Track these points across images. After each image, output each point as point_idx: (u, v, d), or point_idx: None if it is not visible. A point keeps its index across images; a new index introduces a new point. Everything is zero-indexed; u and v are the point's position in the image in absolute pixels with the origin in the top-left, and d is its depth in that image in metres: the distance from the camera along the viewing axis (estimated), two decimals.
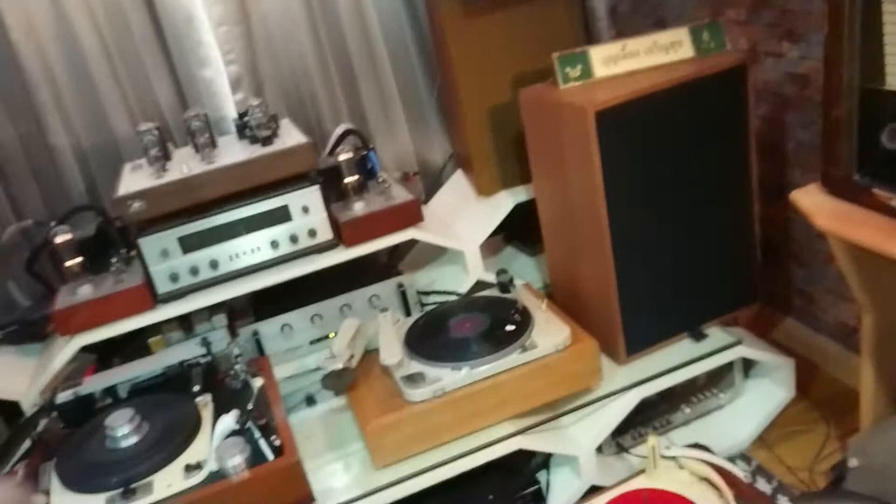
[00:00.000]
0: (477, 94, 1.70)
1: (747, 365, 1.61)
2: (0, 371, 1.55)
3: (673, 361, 1.49)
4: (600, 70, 1.43)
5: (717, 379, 1.59)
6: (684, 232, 1.45)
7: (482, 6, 1.63)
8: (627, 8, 2.01)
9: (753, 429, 1.56)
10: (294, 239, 1.60)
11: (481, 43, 1.66)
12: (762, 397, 1.59)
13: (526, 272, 1.87)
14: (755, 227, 1.51)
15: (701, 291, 1.51)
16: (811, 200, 1.15)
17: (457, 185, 1.98)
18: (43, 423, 1.45)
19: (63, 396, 1.45)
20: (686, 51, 1.43)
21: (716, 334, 1.54)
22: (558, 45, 1.61)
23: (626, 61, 1.43)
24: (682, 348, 1.52)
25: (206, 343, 1.54)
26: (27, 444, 1.40)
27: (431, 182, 2.10)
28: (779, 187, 1.65)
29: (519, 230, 2.00)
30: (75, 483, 1.25)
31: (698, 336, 1.53)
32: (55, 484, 1.27)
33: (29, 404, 1.50)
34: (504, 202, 1.78)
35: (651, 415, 1.57)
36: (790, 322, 1.79)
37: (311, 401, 1.62)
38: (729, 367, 1.58)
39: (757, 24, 1.59)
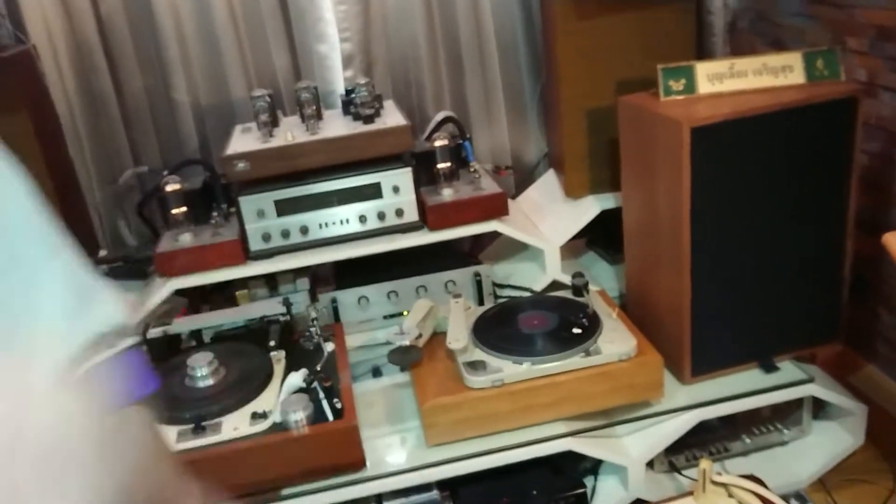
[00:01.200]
0: (578, 96, 1.71)
1: (817, 404, 1.56)
2: None
3: (738, 389, 1.47)
4: (704, 86, 1.42)
5: (784, 414, 1.55)
6: (768, 258, 1.42)
7: (594, 8, 1.64)
8: (746, 25, 1.96)
9: (814, 470, 1.52)
10: (381, 216, 1.66)
11: (589, 45, 1.67)
12: (829, 440, 1.55)
13: (604, 279, 1.87)
14: (845, 264, 1.46)
15: (777, 321, 1.48)
16: None
17: (547, 184, 1.99)
18: None
19: (154, 332, 1.57)
20: (797, 76, 1.40)
21: (788, 368, 1.51)
22: (667, 55, 1.60)
23: (732, 80, 1.41)
24: (751, 377, 1.50)
25: (287, 303, 1.62)
26: None
27: (523, 178, 2.13)
28: (878, 227, 1.59)
29: (602, 236, 2.00)
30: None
31: (769, 367, 1.50)
32: None
33: None
34: (591, 206, 1.79)
35: (709, 439, 1.55)
36: (871, 369, 1.72)
37: (377, 372, 1.69)
38: (798, 403, 1.54)
39: (878, 56, 1.53)
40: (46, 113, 1.66)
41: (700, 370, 1.48)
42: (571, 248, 2.04)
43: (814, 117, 1.34)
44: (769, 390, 1.46)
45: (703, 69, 1.41)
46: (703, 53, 2.05)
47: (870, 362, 1.73)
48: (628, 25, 1.67)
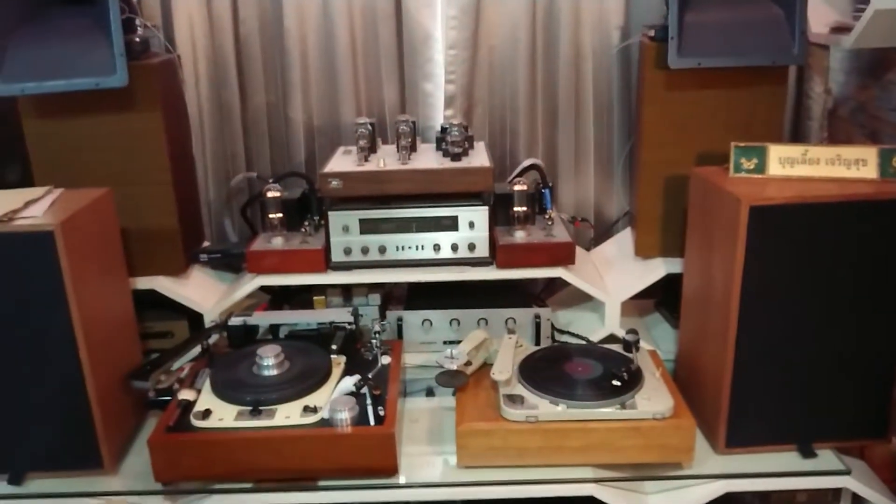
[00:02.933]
0: (658, 161, 1.77)
1: (858, 500, 1.54)
2: (197, 287, 1.88)
3: (771, 467, 1.47)
4: (775, 168, 1.46)
5: None
6: (816, 345, 1.44)
7: (686, 82, 1.70)
8: (847, 114, 1.97)
9: None
10: (454, 247, 1.78)
11: (676, 115, 1.74)
12: None
13: (663, 341, 1.91)
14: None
15: (821, 409, 1.48)
16: None
17: (622, 241, 2.05)
18: (214, 337, 1.75)
19: (235, 321, 1.74)
20: (869, 171, 1.42)
21: (827, 456, 1.50)
22: (753, 135, 1.65)
23: (803, 166, 1.45)
24: (787, 459, 1.50)
25: (355, 313, 1.76)
26: (198, 349, 1.70)
27: (602, 233, 2.20)
28: None
29: (671, 300, 2.03)
30: (220, 390, 1.51)
31: (807, 452, 1.50)
32: (206, 386, 1.54)
33: (209, 319, 1.81)
34: (658, 267, 1.84)
35: None
36: None
37: (430, 393, 1.79)
38: (837, 495, 1.52)
39: None
40: (179, 114, 1.88)
41: (735, 442, 1.50)
42: (639, 308, 2.10)
43: (880, 213, 1.36)
44: (803, 475, 1.46)
45: (775, 152, 1.46)
46: (800, 136, 2.08)
47: None
48: (717, 101, 1.72)
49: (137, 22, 1.76)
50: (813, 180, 1.43)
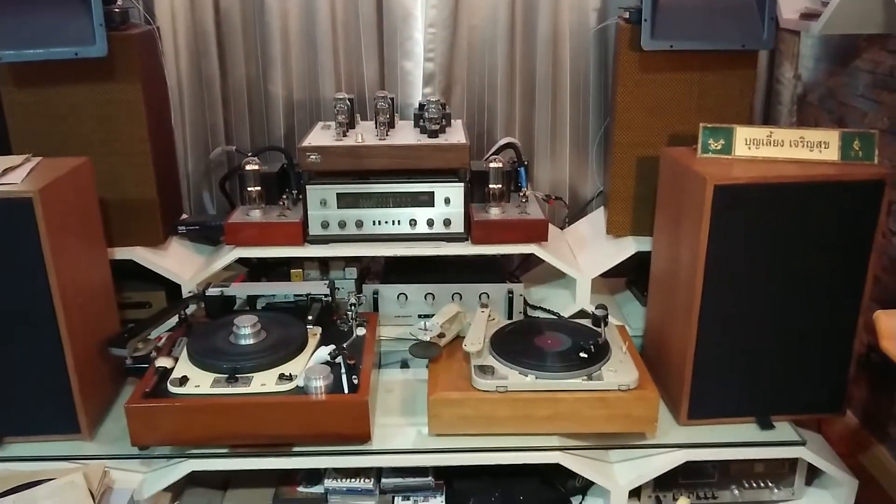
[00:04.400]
0: (631, 142, 1.81)
1: (813, 472, 1.60)
2: (175, 258, 1.90)
3: (730, 438, 1.53)
4: (741, 149, 1.50)
5: (778, 474, 1.60)
6: (777, 321, 1.49)
7: (659, 64, 1.74)
8: (815, 100, 2.02)
9: None
10: (430, 223, 1.81)
11: (649, 97, 1.77)
12: None
13: (632, 317, 1.96)
14: (854, 340, 1.51)
15: (780, 383, 1.54)
16: (892, 323, 1.18)
17: (595, 220, 2.10)
18: (192, 308, 1.78)
19: (212, 291, 1.76)
20: (831, 153, 1.47)
21: (784, 428, 1.56)
22: (722, 117, 1.70)
23: (768, 148, 1.49)
24: (746, 430, 1.56)
25: (332, 286, 1.79)
26: (175, 319, 1.72)
27: (576, 212, 2.24)
28: None
29: (642, 278, 2.08)
30: (198, 359, 1.54)
31: (765, 424, 1.56)
32: (183, 355, 1.57)
33: (187, 290, 1.83)
34: (628, 246, 1.89)
35: (700, 484, 1.61)
36: (881, 450, 1.74)
37: (404, 365, 1.83)
38: (793, 466, 1.59)
39: None
40: (158, 86, 1.89)
41: (697, 414, 1.56)
42: (611, 286, 2.15)
43: (840, 194, 1.41)
44: (760, 445, 1.52)
45: (742, 133, 1.50)
46: (771, 121, 2.13)
47: (882, 443, 1.76)
48: (689, 84, 1.76)
49: None
50: (777, 161, 1.48)
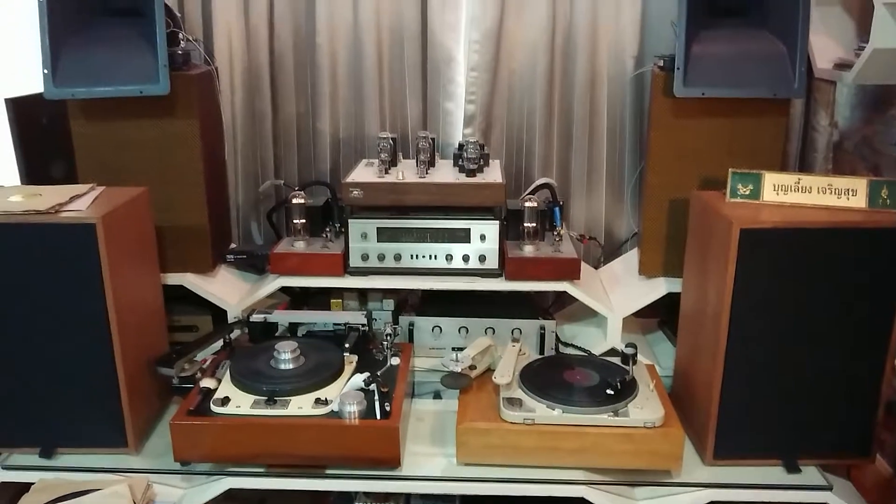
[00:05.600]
0: (664, 185, 1.86)
1: None
2: (222, 285, 2.00)
3: (755, 479, 1.54)
4: (769, 194, 1.54)
5: None
6: (804, 364, 1.51)
7: (692, 110, 1.79)
8: (851, 147, 2.04)
9: None
10: (466, 258, 1.87)
11: (682, 141, 1.82)
12: None
13: (663, 357, 1.98)
14: (882, 386, 1.52)
15: (807, 426, 1.55)
16: None
17: (628, 260, 2.13)
18: (236, 332, 1.86)
19: (256, 317, 1.85)
20: (858, 200, 1.50)
21: (811, 472, 1.57)
22: (754, 162, 1.73)
23: (796, 194, 1.53)
24: (772, 472, 1.57)
25: (369, 316, 1.86)
26: (220, 342, 1.81)
27: (611, 252, 2.28)
28: None
29: (674, 319, 2.10)
30: (240, 380, 1.62)
31: (791, 467, 1.56)
32: (226, 376, 1.65)
33: (232, 315, 1.92)
34: (660, 286, 1.92)
35: None
36: None
37: (437, 395, 1.89)
38: None
39: None
40: (214, 122, 2.01)
41: (723, 453, 1.57)
42: (643, 325, 2.18)
43: (867, 241, 1.43)
44: (785, 488, 1.53)
45: (770, 179, 1.54)
46: (806, 167, 2.16)
47: None
48: (722, 129, 1.80)
49: (180, 35, 1.89)
50: (805, 207, 1.51)
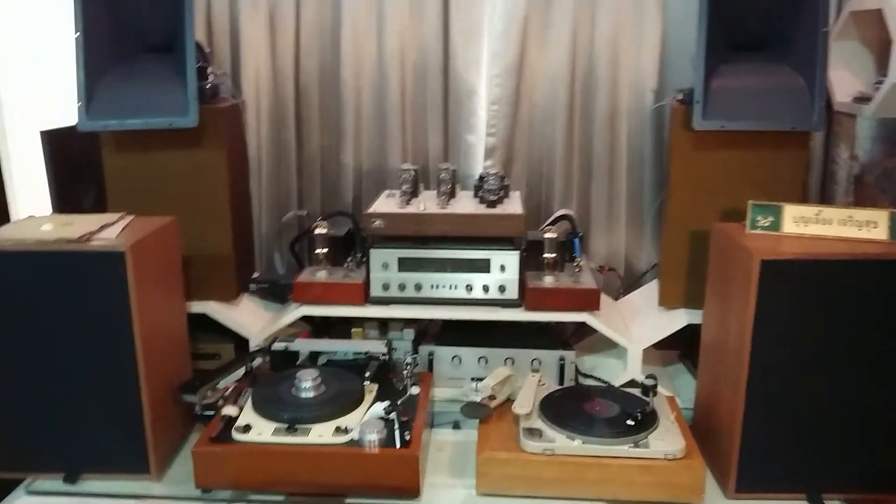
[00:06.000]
0: (684, 216, 1.87)
1: None
2: (245, 313, 2.03)
3: None
4: (789, 226, 1.55)
5: None
6: (827, 396, 1.50)
7: (711, 143, 1.81)
8: (872, 180, 2.04)
9: None
10: (486, 288, 1.89)
11: (702, 174, 1.84)
12: None
13: (684, 390, 1.97)
14: None
15: (831, 459, 1.53)
16: None
17: (648, 292, 2.14)
18: (258, 361, 1.88)
19: (278, 346, 1.87)
20: (880, 232, 1.49)
21: None
22: (774, 195, 1.73)
23: (816, 225, 1.53)
24: None
25: (390, 346, 1.87)
26: (242, 370, 1.83)
27: (631, 284, 2.28)
28: None
29: (694, 351, 2.09)
30: (260, 408, 1.63)
31: (816, 501, 1.54)
32: (248, 404, 1.67)
33: (254, 343, 1.95)
34: (680, 318, 1.92)
35: None
36: None
37: (456, 426, 1.88)
38: None
39: None
40: (240, 154, 2.06)
41: (745, 487, 1.55)
42: (664, 358, 2.17)
43: (888, 272, 1.43)
44: None
45: (790, 211, 1.55)
46: (826, 199, 2.16)
47: None
48: (741, 162, 1.82)
49: (209, 70, 1.94)
50: (825, 239, 1.51)
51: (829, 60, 1.72)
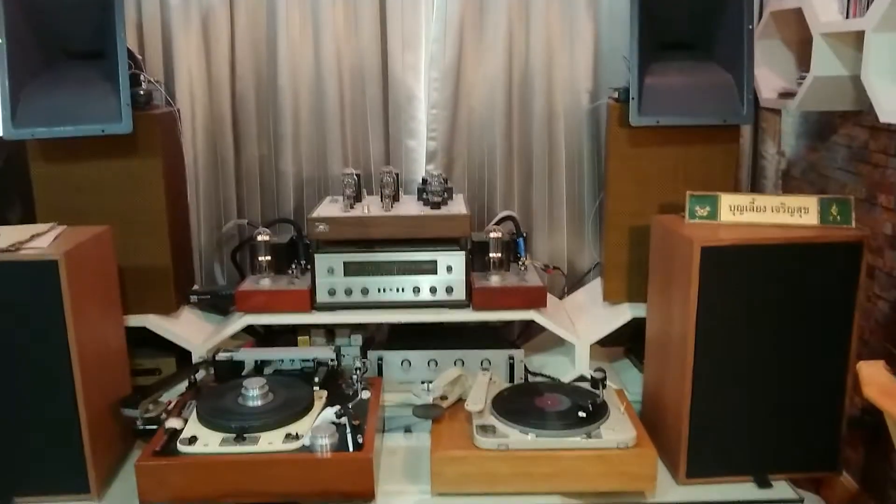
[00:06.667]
0: (624, 212, 1.91)
1: None
2: (186, 326, 1.96)
3: (728, 496, 1.56)
4: (726, 215, 1.60)
5: None
6: (769, 379, 1.54)
7: (647, 139, 1.85)
8: (798, 173, 2.13)
9: None
10: (433, 290, 1.88)
11: (639, 169, 1.88)
12: None
13: (630, 384, 2.00)
14: (844, 398, 1.56)
15: (775, 441, 1.57)
16: (872, 371, 1.23)
17: (592, 290, 2.17)
18: (201, 373, 1.83)
19: (222, 356, 1.82)
20: (811, 218, 1.56)
21: (782, 487, 1.59)
22: (708, 187, 1.79)
23: (751, 213, 1.59)
24: (744, 489, 1.58)
25: (338, 352, 1.85)
26: (185, 383, 1.77)
27: (574, 284, 2.31)
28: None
29: (639, 347, 2.13)
30: (207, 419, 1.58)
31: (763, 482, 1.58)
32: (193, 416, 1.61)
33: (197, 356, 1.89)
34: (624, 312, 1.95)
35: None
36: None
37: (408, 430, 1.87)
38: None
39: None
40: (176, 163, 2.01)
41: (695, 473, 1.59)
42: (610, 354, 2.20)
43: (821, 256, 1.49)
44: (758, 503, 1.54)
45: (726, 200, 1.60)
46: (756, 191, 2.23)
47: None
48: (676, 157, 1.87)
49: (142, 77, 1.89)
50: (760, 225, 1.57)
51: (755, 58, 1.79)
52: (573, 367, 1.96)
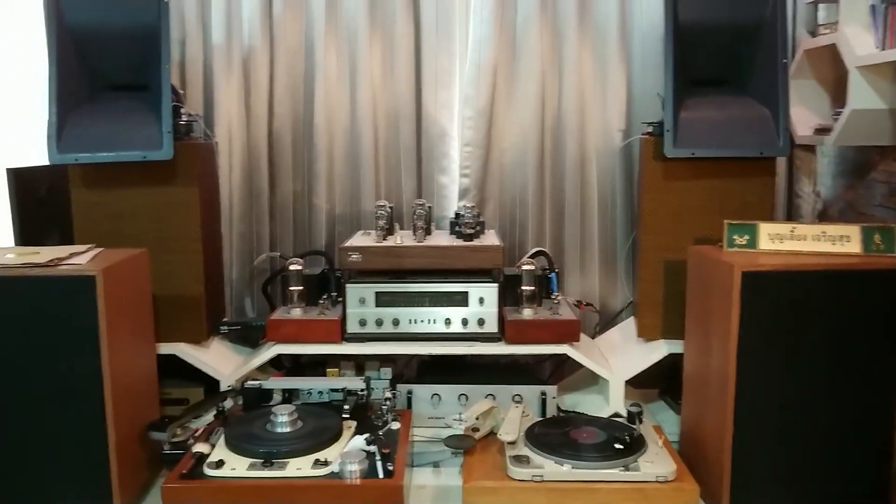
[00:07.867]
0: (658, 247, 1.89)
1: None
2: (216, 356, 1.96)
3: None
4: (765, 243, 1.57)
5: None
6: (813, 410, 1.49)
7: (682, 173, 1.85)
8: (836, 212, 2.10)
9: None
10: (465, 322, 1.86)
11: (674, 203, 1.87)
12: None
13: (666, 424, 1.93)
14: (893, 430, 1.49)
15: (821, 473, 1.51)
16: None
17: (625, 329, 2.13)
18: (229, 402, 1.81)
19: (251, 384, 1.80)
20: (853, 246, 1.52)
21: None
22: (745, 220, 1.77)
23: (791, 242, 1.56)
24: None
25: (367, 381, 1.82)
26: (213, 413, 1.75)
27: (606, 323, 2.28)
28: None
29: (674, 387, 2.08)
30: (235, 444, 1.55)
31: None
32: (220, 441, 1.59)
33: (225, 385, 1.87)
34: (659, 348, 1.91)
35: None
36: None
37: (436, 465, 1.82)
38: None
39: None
40: (212, 193, 2.04)
41: None
42: (643, 396, 2.14)
43: (865, 283, 1.45)
44: None
45: (765, 228, 1.57)
46: None
47: None
48: (711, 191, 1.86)
49: (182, 110, 1.94)
50: (801, 254, 1.54)
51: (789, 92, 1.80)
52: (607, 404, 1.91)
